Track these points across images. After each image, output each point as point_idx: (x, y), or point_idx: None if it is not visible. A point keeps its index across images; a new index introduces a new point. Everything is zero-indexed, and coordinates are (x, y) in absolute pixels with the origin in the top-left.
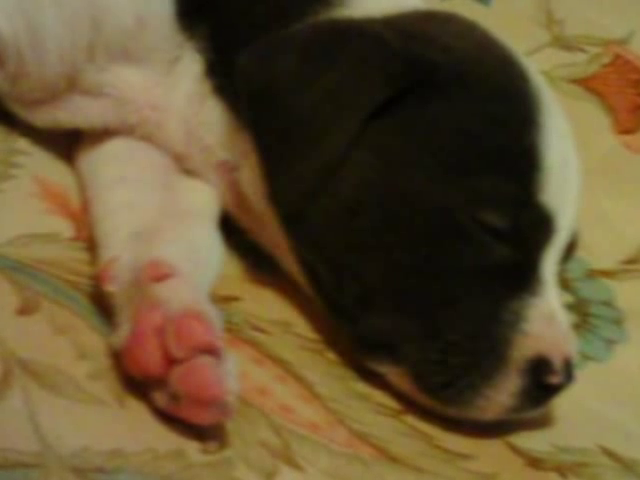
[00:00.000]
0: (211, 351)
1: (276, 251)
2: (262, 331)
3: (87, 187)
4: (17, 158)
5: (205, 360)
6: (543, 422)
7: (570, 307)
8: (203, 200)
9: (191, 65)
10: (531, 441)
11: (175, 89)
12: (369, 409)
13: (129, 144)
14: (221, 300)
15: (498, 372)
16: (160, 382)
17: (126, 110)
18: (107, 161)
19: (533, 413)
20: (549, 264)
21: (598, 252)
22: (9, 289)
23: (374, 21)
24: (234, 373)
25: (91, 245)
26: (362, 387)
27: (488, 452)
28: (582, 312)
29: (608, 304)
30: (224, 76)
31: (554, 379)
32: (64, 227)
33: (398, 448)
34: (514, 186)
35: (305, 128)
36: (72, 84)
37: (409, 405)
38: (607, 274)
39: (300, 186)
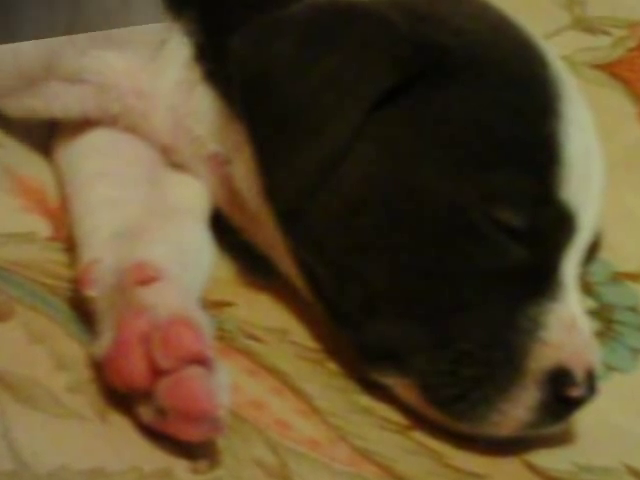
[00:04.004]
0: (201, 361)
1: (272, 252)
2: (257, 339)
3: (66, 183)
4: None
5: (194, 371)
6: (563, 439)
7: (593, 313)
8: (192, 197)
9: (179, 49)
10: (550, 459)
11: (162, 75)
12: (373, 424)
13: (111, 136)
14: (212, 306)
15: (514, 384)
16: (146, 395)
17: (108, 98)
18: (87, 154)
19: (552, 429)
20: (570, 266)
21: (623, 253)
22: None
23: (379, 1)
24: (226, 385)
25: (71, 246)
26: (366, 400)
27: (503, 471)
28: (606, 319)
29: (634, 310)
30: (215, 61)
31: (575, 392)
32: (41, 226)
33: (405, 467)
34: (532, 181)
35: (304, 117)
36: (50, 70)
37: (417, 420)
38: (633, 277)
39: (299, 181)
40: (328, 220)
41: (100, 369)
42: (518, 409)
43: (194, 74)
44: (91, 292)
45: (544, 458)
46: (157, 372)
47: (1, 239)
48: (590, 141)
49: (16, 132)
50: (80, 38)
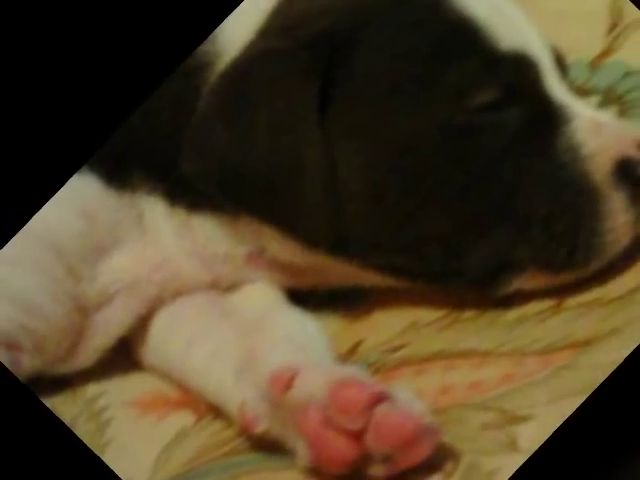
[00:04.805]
0: (379, 400)
1: (354, 280)
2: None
3: (170, 372)
4: (98, 403)
5: (381, 409)
6: None
7: (601, 103)
8: (260, 299)
9: (155, 208)
10: None
11: (160, 239)
12: None
13: (168, 311)
14: (348, 354)
15: (598, 203)
16: (368, 459)
17: (141, 288)
18: (165, 339)
19: None
20: (556, 87)
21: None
22: None
23: (252, 44)
24: (411, 398)
25: (216, 413)
26: None
27: None
28: (614, 98)
29: (628, 74)
30: (187, 191)
31: None
32: (184, 419)
33: None
34: (472, 57)
35: (281, 171)
36: (83, 309)
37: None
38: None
39: (321, 214)
40: (366, 220)
41: (319, 474)
42: (618, 217)
43: (181, 214)
44: (260, 428)
45: None
46: (357, 436)
47: (166, 454)
48: None
49: (104, 374)
50: (78, 270)
